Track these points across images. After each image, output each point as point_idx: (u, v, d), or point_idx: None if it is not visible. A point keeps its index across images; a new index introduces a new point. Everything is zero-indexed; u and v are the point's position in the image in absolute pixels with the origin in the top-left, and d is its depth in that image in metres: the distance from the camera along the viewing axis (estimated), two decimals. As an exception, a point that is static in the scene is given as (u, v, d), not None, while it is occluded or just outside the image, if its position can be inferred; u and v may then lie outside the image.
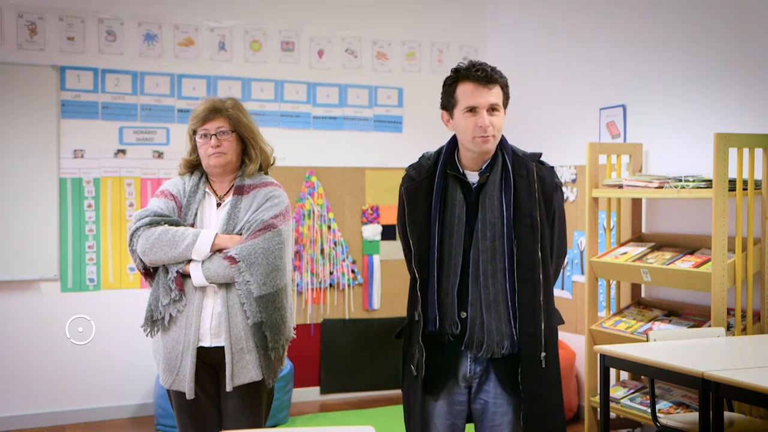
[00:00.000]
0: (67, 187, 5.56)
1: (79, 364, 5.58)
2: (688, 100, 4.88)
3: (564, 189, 5.83)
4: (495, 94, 2.72)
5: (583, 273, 5.53)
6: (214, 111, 3.12)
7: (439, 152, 2.86)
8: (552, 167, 2.87)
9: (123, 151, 5.69)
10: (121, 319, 5.62)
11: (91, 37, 5.63)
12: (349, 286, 6.24)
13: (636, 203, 5.15)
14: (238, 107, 3.18)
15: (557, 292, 5.91)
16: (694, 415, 3.74)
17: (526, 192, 2.75)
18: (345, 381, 6.19)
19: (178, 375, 3.04)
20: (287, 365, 5.55)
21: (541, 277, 2.73)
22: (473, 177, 2.81)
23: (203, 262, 3.02)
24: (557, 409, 2.79)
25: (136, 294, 5.68)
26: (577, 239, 5.71)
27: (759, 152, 4.29)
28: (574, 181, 5.75)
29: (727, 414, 3.72)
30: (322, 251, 6.15)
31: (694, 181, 4.35)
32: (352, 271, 6.23)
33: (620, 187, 4.81)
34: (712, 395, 3.22)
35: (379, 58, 6.33)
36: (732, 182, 4.20)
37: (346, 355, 6.16)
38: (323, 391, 6.19)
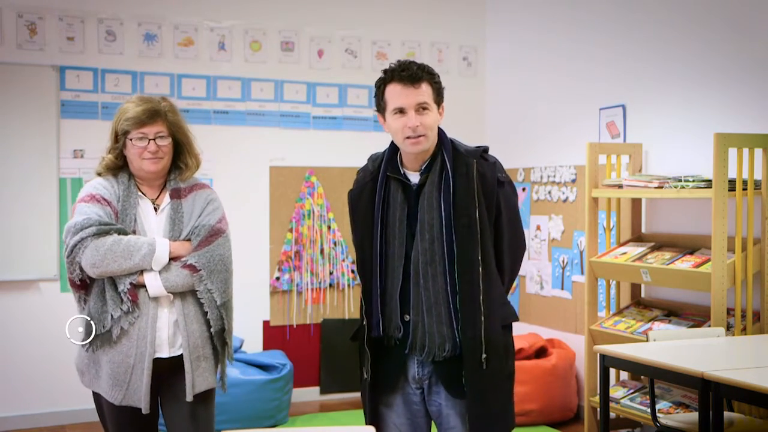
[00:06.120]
0: (67, 187, 5.56)
1: (79, 364, 5.57)
2: (688, 100, 4.88)
3: (572, 188, 5.83)
4: (423, 93, 2.69)
5: (582, 273, 5.53)
6: (154, 114, 2.93)
7: (383, 154, 2.83)
8: (494, 162, 2.77)
9: (123, 151, 5.68)
10: (121, 319, 5.63)
11: (91, 37, 5.63)
12: (349, 286, 6.24)
13: (636, 203, 5.15)
14: (174, 110, 3.02)
15: (556, 291, 5.92)
16: (694, 415, 3.74)
17: (465, 191, 2.68)
18: (345, 381, 6.18)
19: (128, 390, 2.89)
20: (287, 365, 5.55)
21: (480, 277, 2.66)
22: (415, 177, 2.76)
23: (160, 271, 2.89)
24: (503, 411, 2.72)
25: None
26: (577, 239, 5.71)
27: (759, 152, 4.29)
28: (574, 181, 5.75)
29: (727, 414, 3.72)
30: (321, 251, 6.15)
31: (693, 181, 4.35)
32: (352, 271, 6.22)
33: (620, 187, 4.81)
34: (712, 395, 3.22)
35: (379, 58, 6.32)
36: (732, 182, 4.20)
37: (346, 355, 6.14)
38: (323, 391, 6.18)
